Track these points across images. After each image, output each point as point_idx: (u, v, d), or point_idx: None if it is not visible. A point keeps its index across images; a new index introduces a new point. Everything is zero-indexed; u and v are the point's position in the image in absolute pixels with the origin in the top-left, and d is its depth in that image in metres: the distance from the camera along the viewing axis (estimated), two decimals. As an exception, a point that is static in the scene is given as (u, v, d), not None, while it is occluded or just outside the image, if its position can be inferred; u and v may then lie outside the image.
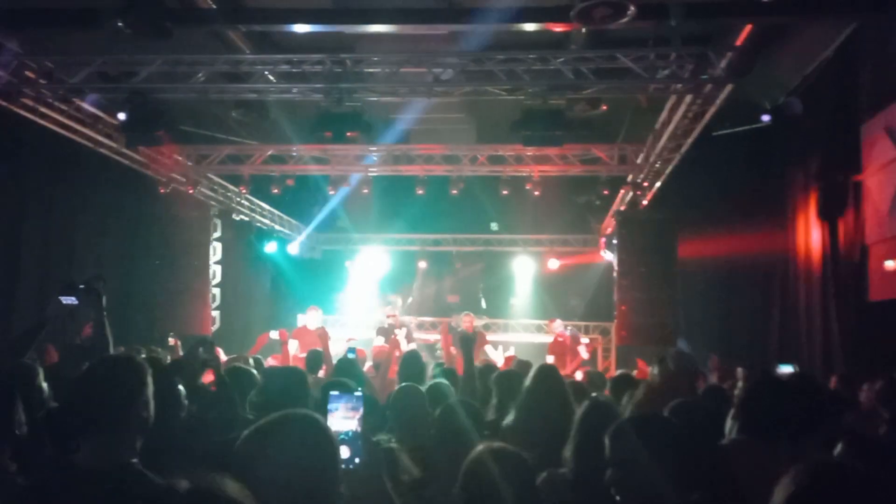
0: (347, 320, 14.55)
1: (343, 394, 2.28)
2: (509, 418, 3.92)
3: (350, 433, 2.17)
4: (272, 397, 3.34)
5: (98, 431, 2.14)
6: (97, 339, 3.42)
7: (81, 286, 3.46)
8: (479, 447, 2.32)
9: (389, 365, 6.25)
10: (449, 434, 3.07)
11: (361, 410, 2.25)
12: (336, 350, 9.90)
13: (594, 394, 4.26)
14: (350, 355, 5.66)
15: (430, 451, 3.08)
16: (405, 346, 9.43)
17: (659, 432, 2.19)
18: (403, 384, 4.15)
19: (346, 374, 4.78)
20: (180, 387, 3.62)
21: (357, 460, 2.12)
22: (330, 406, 2.23)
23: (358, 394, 2.30)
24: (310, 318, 10.32)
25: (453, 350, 7.55)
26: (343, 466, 1.99)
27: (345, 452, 2.07)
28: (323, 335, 6.67)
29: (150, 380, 2.29)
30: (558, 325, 11.21)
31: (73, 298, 3.43)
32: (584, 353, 10.52)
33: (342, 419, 2.21)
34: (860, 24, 6.98)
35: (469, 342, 5.04)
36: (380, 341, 10.78)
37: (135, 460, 2.14)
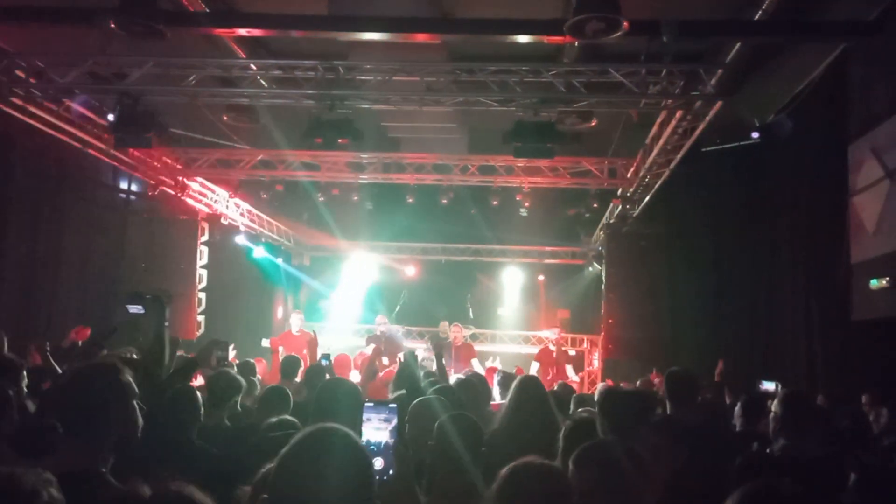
0: (335, 327, 14.48)
1: (377, 405, 2.28)
2: (492, 427, 3.89)
3: (382, 444, 2.16)
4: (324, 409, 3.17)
5: (70, 436, 2.13)
6: (154, 346, 3.51)
7: (148, 296, 3.59)
8: (513, 464, 1.98)
9: (372, 375, 6.16)
10: (445, 453, 2.87)
11: (394, 422, 2.24)
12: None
13: (580, 410, 4.24)
14: (324, 362, 5.68)
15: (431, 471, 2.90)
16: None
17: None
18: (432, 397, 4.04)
19: (315, 379, 4.77)
20: (198, 394, 3.60)
21: (391, 472, 2.12)
22: (364, 417, 2.23)
23: (392, 405, 2.29)
24: (293, 323, 10.30)
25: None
26: (377, 478, 1.97)
27: (378, 464, 2.06)
28: (311, 342, 6.67)
29: (127, 395, 2.25)
30: (553, 332, 10.98)
31: (140, 307, 3.56)
32: (572, 374, 10.45)
33: (374, 430, 2.20)
34: (848, 46, 7.05)
35: (439, 347, 5.81)
36: (369, 349, 10.74)
37: (104, 470, 2.12)
